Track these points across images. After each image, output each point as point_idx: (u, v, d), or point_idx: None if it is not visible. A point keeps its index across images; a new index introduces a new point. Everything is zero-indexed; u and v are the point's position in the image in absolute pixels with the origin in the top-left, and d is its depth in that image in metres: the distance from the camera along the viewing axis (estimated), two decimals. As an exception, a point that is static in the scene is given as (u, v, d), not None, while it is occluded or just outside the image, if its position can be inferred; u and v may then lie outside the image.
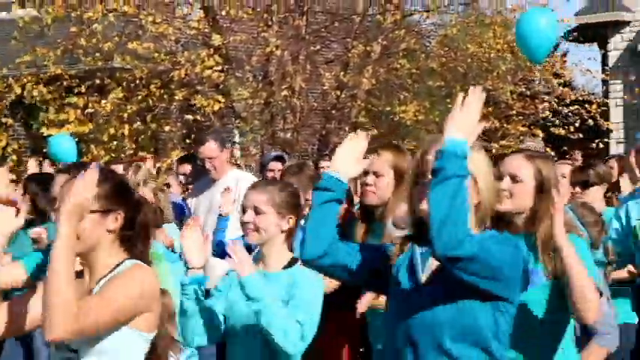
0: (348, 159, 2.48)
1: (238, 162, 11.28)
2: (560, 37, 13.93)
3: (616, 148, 15.01)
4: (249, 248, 3.61)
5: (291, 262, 3.21)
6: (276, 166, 7.22)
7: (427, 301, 2.24)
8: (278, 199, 3.20)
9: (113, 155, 11.00)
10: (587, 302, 2.72)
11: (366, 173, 3.55)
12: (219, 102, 11.19)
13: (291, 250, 3.29)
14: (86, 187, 2.09)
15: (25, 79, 12.01)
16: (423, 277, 2.30)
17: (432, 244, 2.08)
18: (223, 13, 11.83)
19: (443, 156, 2.10)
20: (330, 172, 2.47)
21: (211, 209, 5.91)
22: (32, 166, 7.86)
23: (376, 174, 3.72)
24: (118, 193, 2.25)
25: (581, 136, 13.26)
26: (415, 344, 2.26)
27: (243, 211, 3.24)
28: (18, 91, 11.98)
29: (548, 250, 2.80)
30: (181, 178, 7.37)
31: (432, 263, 2.29)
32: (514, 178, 2.86)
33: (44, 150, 10.39)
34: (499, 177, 2.78)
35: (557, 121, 13.46)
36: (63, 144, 8.90)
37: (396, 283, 2.36)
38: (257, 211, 3.17)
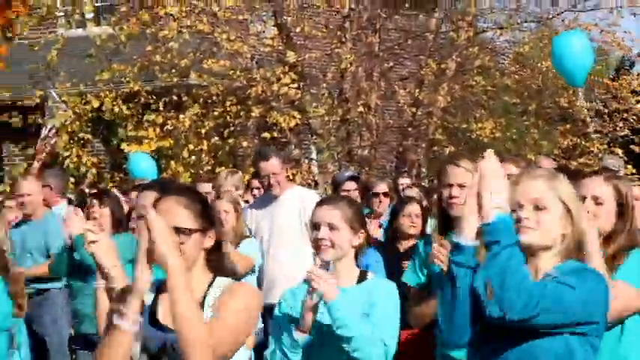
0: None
1: (316, 179, 11.41)
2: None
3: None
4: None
5: (362, 277, 3.30)
6: (351, 185, 7.35)
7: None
8: (350, 214, 3.27)
9: (192, 171, 11.20)
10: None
11: (450, 185, 3.60)
12: (295, 118, 11.31)
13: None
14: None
15: (103, 96, 12.23)
16: None
17: (501, 312, 2.13)
18: (297, 30, 12.03)
19: (492, 231, 2.17)
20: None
21: (273, 227, 6.01)
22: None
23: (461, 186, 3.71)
24: (209, 212, 2.36)
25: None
26: None
27: (315, 227, 3.28)
28: (96, 106, 12.19)
29: (610, 267, 2.91)
30: (255, 192, 7.55)
31: None
32: (596, 200, 2.95)
33: (123, 166, 10.60)
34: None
35: (636, 139, 13.29)
36: (142, 162, 9.09)
37: None
38: (331, 227, 3.22)
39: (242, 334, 2.31)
